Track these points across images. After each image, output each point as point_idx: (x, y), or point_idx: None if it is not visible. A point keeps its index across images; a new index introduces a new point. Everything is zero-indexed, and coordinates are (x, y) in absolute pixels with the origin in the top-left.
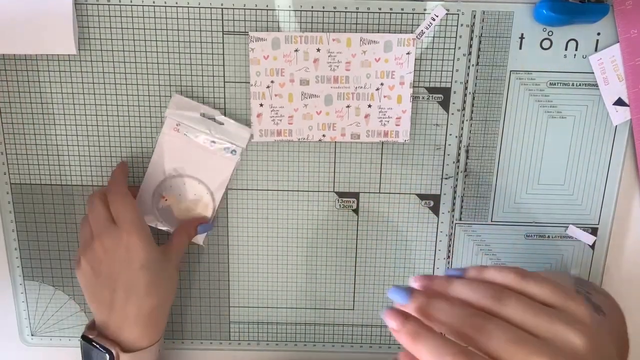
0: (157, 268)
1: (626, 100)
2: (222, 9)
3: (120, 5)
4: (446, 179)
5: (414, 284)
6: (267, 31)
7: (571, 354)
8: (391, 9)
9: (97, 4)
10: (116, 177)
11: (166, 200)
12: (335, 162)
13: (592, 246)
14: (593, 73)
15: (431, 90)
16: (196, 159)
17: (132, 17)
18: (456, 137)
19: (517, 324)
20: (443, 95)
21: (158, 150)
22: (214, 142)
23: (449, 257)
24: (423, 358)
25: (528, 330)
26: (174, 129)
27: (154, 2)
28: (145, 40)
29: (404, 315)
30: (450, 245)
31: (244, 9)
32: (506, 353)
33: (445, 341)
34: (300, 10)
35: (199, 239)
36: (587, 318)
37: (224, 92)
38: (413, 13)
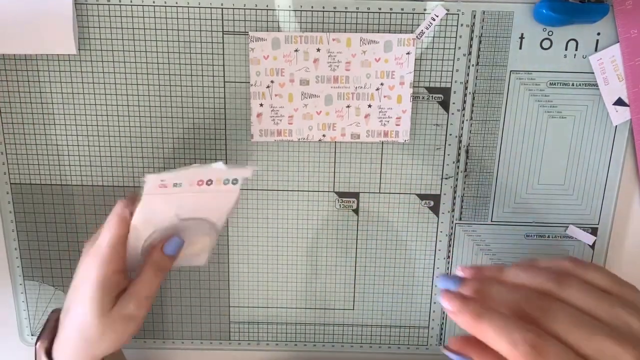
0: (100, 330)
1: (626, 100)
2: (222, 9)
3: (120, 5)
4: (446, 179)
5: (461, 272)
6: (267, 31)
7: (631, 338)
8: (391, 9)
9: (97, 4)
10: (110, 226)
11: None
12: (335, 162)
13: (592, 246)
14: (593, 73)
15: (431, 90)
16: (190, 202)
17: (132, 17)
18: (456, 137)
19: (578, 308)
20: (443, 95)
21: (141, 212)
22: (210, 182)
23: (449, 257)
24: (488, 337)
25: (589, 314)
26: (159, 186)
27: (154, 2)
28: (145, 40)
29: (463, 297)
30: (450, 245)
31: (244, 9)
32: (570, 334)
33: (511, 318)
34: (300, 10)
35: (200, 259)
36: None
37: (224, 92)
38: (413, 13)
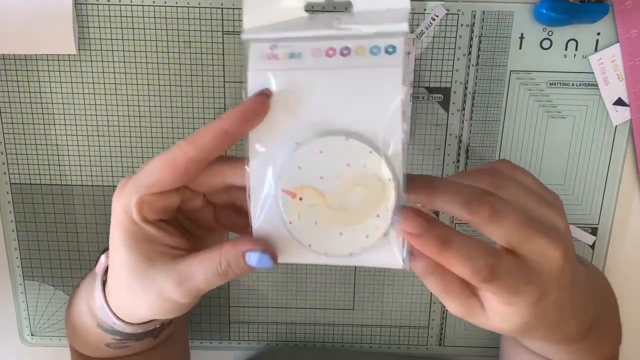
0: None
1: (626, 100)
2: (222, 9)
3: (120, 5)
4: None
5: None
6: None
7: (557, 232)
8: None
9: (97, 4)
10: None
11: (300, 199)
12: None
13: (592, 246)
14: (593, 73)
15: (431, 90)
16: (326, 95)
17: (132, 17)
18: (456, 137)
19: (515, 203)
20: (443, 95)
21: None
22: (347, 48)
23: None
24: (452, 264)
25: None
26: (267, 56)
27: (154, 2)
28: (145, 40)
29: (424, 216)
30: None
31: None
32: (514, 234)
33: (476, 241)
34: None
35: (369, 242)
36: (566, 223)
37: (224, 92)
38: (413, 13)
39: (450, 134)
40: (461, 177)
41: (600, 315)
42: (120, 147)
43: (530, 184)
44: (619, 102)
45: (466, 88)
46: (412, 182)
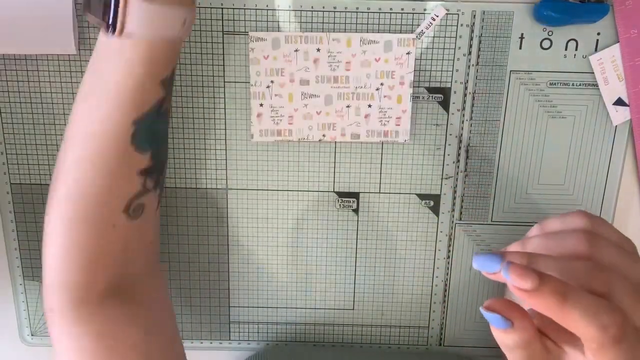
0: None
1: (626, 100)
2: (222, 9)
3: None
4: (446, 179)
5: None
6: (267, 31)
7: None
8: (391, 9)
9: None
10: None
11: None
12: (335, 162)
13: None
14: (593, 73)
15: (431, 90)
16: None
17: None
18: (456, 137)
19: (616, 270)
20: (443, 95)
21: None
22: None
23: (449, 257)
24: (572, 320)
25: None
26: None
27: None
28: None
29: (538, 271)
30: (450, 245)
31: (244, 9)
32: (628, 303)
33: (597, 298)
34: (300, 10)
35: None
36: None
37: (224, 92)
38: (413, 13)
39: (450, 134)
40: (550, 243)
41: None
42: None
43: (616, 238)
44: (619, 102)
45: (466, 88)
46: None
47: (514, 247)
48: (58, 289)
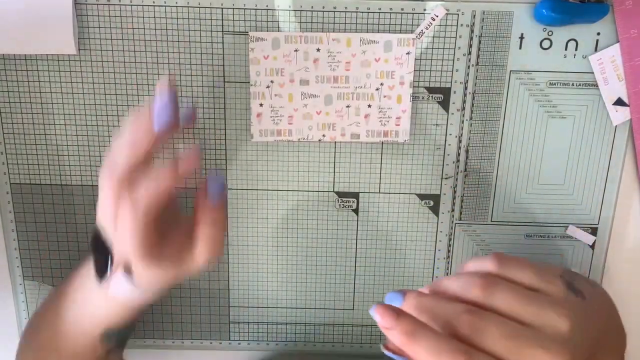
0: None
1: (626, 100)
2: (222, 9)
3: (120, 5)
4: (446, 179)
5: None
6: (267, 31)
7: (560, 339)
8: (391, 9)
9: (97, 4)
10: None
11: None
12: (335, 162)
13: (592, 246)
14: (593, 73)
15: (431, 90)
16: None
17: (132, 17)
18: (456, 137)
19: (507, 314)
20: (443, 95)
21: None
22: None
23: (448, 257)
24: (419, 358)
25: (518, 318)
26: None
27: (154, 2)
28: (145, 40)
29: (396, 312)
30: (450, 245)
31: (244, 9)
32: (502, 348)
33: (442, 339)
34: (300, 10)
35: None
36: (566, 300)
37: (224, 92)
38: (413, 13)
39: (450, 134)
40: (450, 284)
41: (602, 344)
42: None
43: (526, 279)
44: (619, 102)
45: (466, 88)
46: (406, 296)
47: (435, 282)
48: None
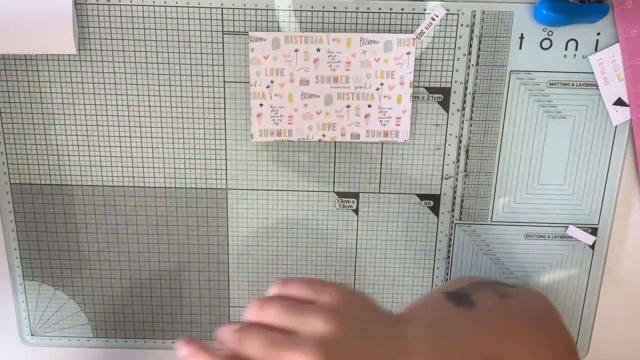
0: None
1: (626, 100)
2: (222, 9)
3: (120, 5)
4: (446, 179)
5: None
6: (267, 31)
7: (319, 340)
8: (391, 9)
9: (97, 4)
10: None
11: None
12: (335, 162)
13: (592, 246)
14: (593, 73)
15: (431, 90)
16: None
17: (132, 17)
18: (456, 137)
19: (274, 325)
20: (443, 95)
21: None
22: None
23: (448, 257)
24: None
25: (284, 327)
26: None
27: (154, 2)
28: (145, 40)
29: (197, 344)
30: (450, 245)
31: (244, 9)
32: (262, 356)
33: (211, 357)
34: (300, 10)
35: None
36: (336, 305)
37: (224, 92)
38: (413, 13)
39: (450, 134)
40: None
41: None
42: (120, 147)
43: (302, 293)
44: (619, 102)
45: (466, 88)
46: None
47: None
48: None
